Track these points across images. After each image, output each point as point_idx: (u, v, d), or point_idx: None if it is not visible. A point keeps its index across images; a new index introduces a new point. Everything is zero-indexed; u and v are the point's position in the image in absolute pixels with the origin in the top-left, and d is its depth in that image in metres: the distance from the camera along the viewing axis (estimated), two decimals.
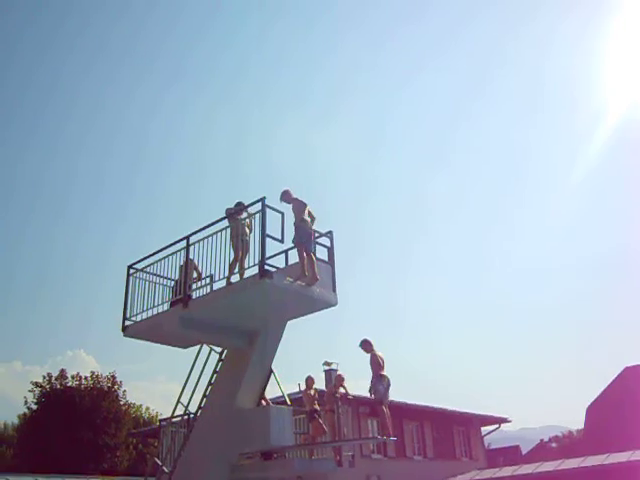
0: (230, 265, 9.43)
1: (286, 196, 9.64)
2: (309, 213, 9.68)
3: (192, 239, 9.95)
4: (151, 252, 10.61)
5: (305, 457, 10.57)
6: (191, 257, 10.01)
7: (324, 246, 10.30)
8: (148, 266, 10.65)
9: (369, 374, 9.99)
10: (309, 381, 11.13)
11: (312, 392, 10.87)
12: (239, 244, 9.46)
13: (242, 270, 9.41)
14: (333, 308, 10.05)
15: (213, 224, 9.68)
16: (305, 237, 9.39)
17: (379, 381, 9.80)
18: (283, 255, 10.27)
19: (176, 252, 10.20)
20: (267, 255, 8.93)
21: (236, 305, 9.57)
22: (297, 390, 11.56)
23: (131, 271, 10.79)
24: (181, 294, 9.89)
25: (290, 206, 9.58)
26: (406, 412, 25.40)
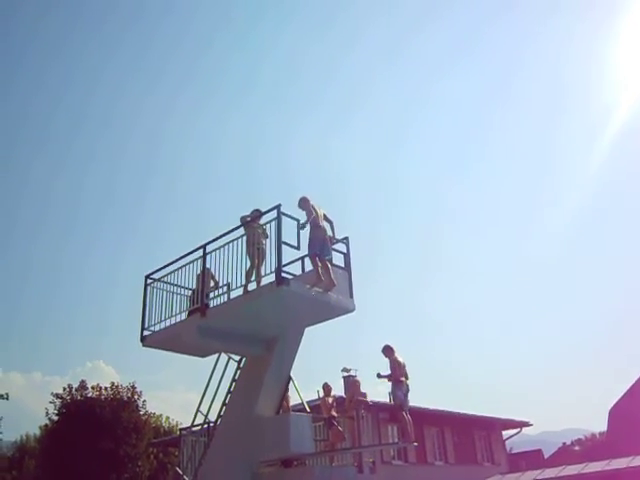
0: (247, 273, 9.46)
1: (302, 203, 9.59)
2: (325, 217, 9.67)
3: (208, 248, 10.00)
4: (168, 262, 10.68)
5: (325, 464, 10.55)
6: (208, 266, 10.05)
7: (340, 252, 10.28)
8: (165, 276, 10.72)
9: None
10: (326, 388, 11.12)
11: (330, 399, 10.84)
12: (255, 252, 9.48)
13: (259, 278, 9.43)
14: (351, 314, 10.04)
15: (229, 232, 9.72)
16: (316, 244, 9.37)
17: (398, 387, 9.76)
18: (299, 262, 10.27)
19: (193, 261, 10.25)
20: (283, 262, 8.95)
21: (253, 313, 9.58)
22: (316, 397, 11.55)
23: (148, 281, 10.86)
24: (198, 303, 9.93)
25: (304, 213, 9.58)
26: (427, 417, 25.21)
